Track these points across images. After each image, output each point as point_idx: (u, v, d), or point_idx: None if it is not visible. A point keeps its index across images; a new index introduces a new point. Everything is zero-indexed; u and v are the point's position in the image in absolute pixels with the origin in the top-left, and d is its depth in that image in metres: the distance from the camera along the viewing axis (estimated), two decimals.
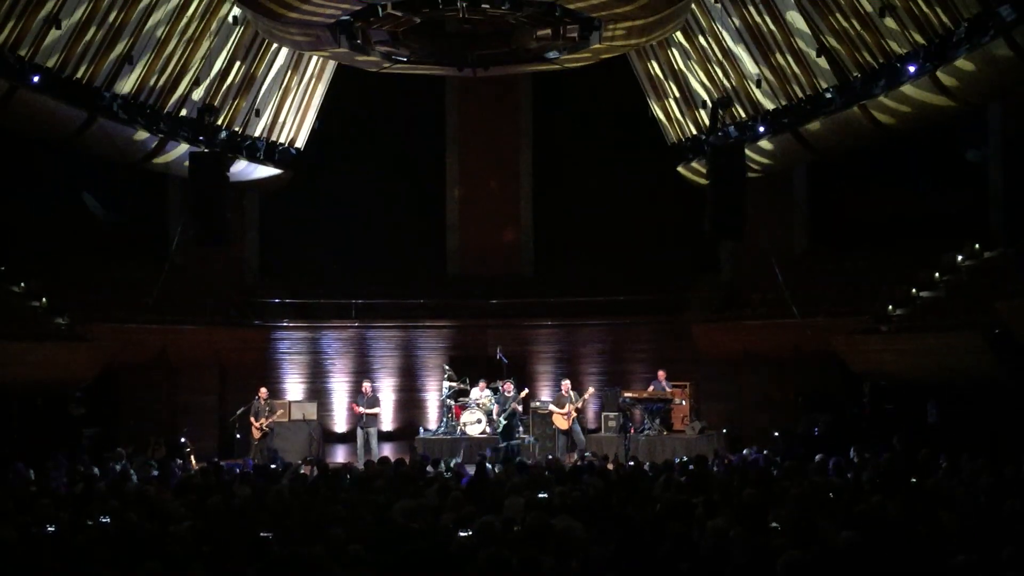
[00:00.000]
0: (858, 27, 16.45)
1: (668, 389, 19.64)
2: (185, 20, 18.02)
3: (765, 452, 16.02)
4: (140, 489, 11.33)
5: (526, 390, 19.78)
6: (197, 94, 19.29)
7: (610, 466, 14.58)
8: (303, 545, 7.43)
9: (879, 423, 17.62)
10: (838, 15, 16.58)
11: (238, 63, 19.61)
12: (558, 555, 7.01)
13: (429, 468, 13.94)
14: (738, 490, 10.02)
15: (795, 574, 6.21)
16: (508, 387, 19.23)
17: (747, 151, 18.87)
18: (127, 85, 18.14)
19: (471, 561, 6.74)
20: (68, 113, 17.18)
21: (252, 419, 18.53)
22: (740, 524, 7.64)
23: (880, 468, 12.44)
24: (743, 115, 19.85)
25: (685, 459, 14.62)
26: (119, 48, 17.40)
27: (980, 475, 10.78)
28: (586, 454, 16.60)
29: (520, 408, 19.21)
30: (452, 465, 14.87)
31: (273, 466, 15.26)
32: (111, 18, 16.90)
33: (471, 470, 13.63)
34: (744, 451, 16.62)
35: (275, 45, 19.22)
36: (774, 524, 8.26)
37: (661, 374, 20.04)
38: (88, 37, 16.82)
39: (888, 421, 17.56)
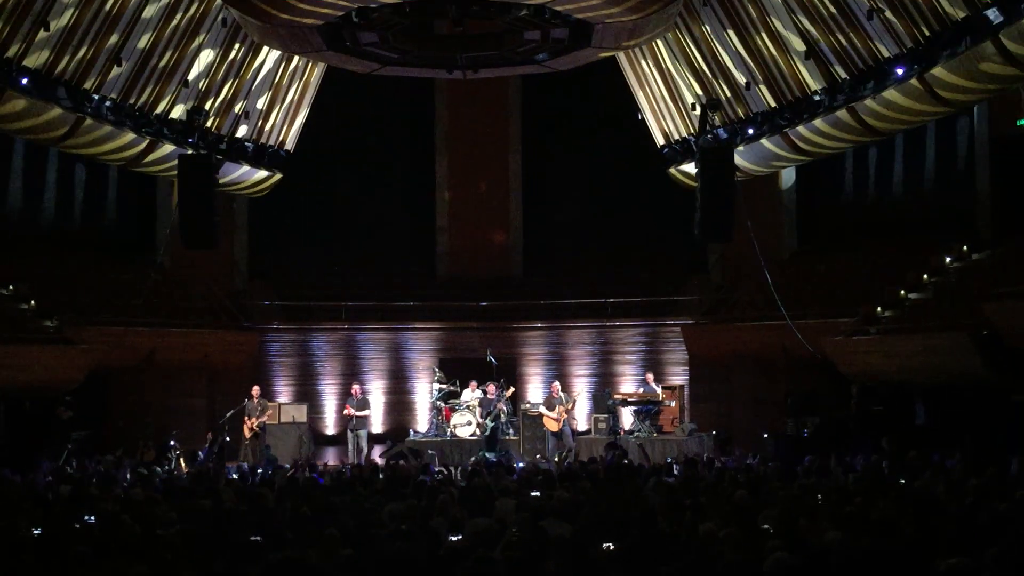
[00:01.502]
0: (846, 30, 16.51)
1: (657, 390, 19.67)
2: (174, 22, 17.97)
3: (757, 456, 16.05)
4: (129, 492, 11.29)
5: (512, 388, 19.75)
6: (186, 96, 19.23)
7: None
8: (293, 548, 7.41)
9: (868, 424, 17.65)
10: (826, 17, 16.64)
11: (227, 65, 19.57)
12: (547, 557, 7.01)
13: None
14: (728, 492, 10.04)
15: (782, 575, 6.23)
16: (492, 389, 19.16)
17: (736, 152, 18.90)
18: (115, 87, 18.08)
19: (461, 564, 6.73)
20: (56, 115, 17.11)
21: (245, 418, 18.53)
22: (731, 526, 7.65)
23: (868, 469, 12.48)
24: (732, 117, 19.88)
25: (670, 460, 14.63)
26: (107, 50, 17.34)
27: (968, 476, 10.82)
28: (570, 454, 16.59)
29: (506, 409, 19.17)
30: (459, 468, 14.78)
31: (260, 471, 15.21)
32: (99, 20, 16.84)
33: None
34: (736, 452, 16.66)
35: (264, 47, 19.18)
36: (765, 526, 8.27)
37: (649, 376, 20.10)
38: (76, 39, 16.76)
39: (877, 422, 17.59)
